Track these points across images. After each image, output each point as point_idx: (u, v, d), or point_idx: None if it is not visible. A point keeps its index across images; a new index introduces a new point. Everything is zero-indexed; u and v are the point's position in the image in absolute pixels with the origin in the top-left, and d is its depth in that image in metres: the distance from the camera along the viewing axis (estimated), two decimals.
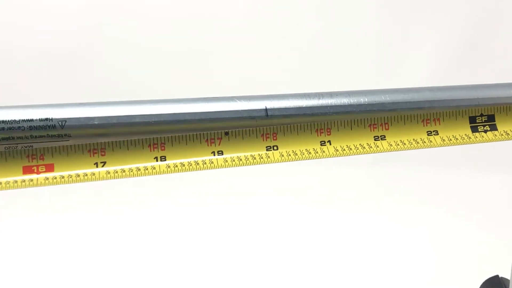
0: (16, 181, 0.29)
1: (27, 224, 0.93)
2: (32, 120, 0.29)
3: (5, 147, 0.29)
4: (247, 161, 0.31)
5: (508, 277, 0.44)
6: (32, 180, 0.29)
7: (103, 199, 0.98)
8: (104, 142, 0.30)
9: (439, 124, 0.33)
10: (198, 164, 0.31)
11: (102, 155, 0.30)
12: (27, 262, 0.80)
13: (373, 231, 0.89)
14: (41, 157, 0.29)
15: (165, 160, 0.30)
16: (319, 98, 0.33)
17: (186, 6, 1.29)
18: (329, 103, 0.33)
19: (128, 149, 0.30)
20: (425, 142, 0.33)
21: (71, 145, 0.30)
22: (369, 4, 1.26)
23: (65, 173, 0.29)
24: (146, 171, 0.30)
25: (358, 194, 1.03)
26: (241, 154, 0.31)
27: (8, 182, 0.29)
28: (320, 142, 0.32)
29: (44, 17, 1.31)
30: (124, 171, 0.30)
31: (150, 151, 0.30)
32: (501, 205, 0.98)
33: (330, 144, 0.32)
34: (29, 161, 0.29)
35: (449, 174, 1.11)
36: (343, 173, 1.07)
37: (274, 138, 0.32)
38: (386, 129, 0.33)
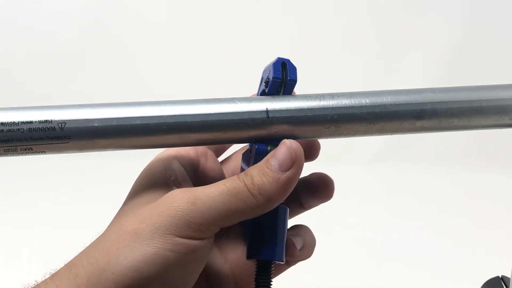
0: None
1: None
2: (31, 122, 0.29)
3: (4, 150, 0.29)
4: None
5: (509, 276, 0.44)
6: None
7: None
8: None
9: None
10: None
11: None
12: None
13: (372, 231, 0.89)
14: None
15: None
16: (320, 100, 0.33)
17: (187, 7, 1.29)
18: (331, 104, 0.33)
19: None
20: None
21: None
22: (369, 4, 1.26)
23: None
24: None
25: (356, 194, 1.02)
26: None
27: None
28: None
29: (44, 16, 1.31)
30: None
31: None
32: (502, 205, 0.98)
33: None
34: None
35: (449, 173, 1.11)
36: (340, 172, 1.07)
37: None
38: None
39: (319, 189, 0.38)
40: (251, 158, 0.33)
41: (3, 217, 0.95)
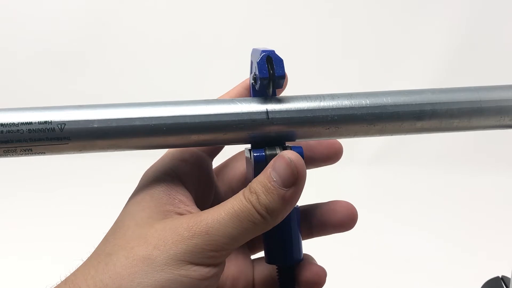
0: None
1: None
2: (31, 123, 0.29)
3: (3, 151, 0.29)
4: None
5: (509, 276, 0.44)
6: None
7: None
8: None
9: None
10: None
11: None
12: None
13: (372, 232, 0.89)
14: None
15: None
16: (320, 100, 0.32)
17: (186, 7, 1.29)
18: (331, 105, 0.32)
19: None
20: None
21: None
22: (368, 4, 1.26)
23: None
24: None
25: (356, 195, 1.02)
26: None
27: None
28: None
29: (44, 16, 1.31)
30: None
31: None
32: (502, 205, 0.98)
33: None
34: None
35: (449, 174, 1.11)
36: (340, 173, 1.07)
37: None
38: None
39: (344, 221, 0.38)
40: (250, 166, 0.33)
41: (3, 217, 0.95)
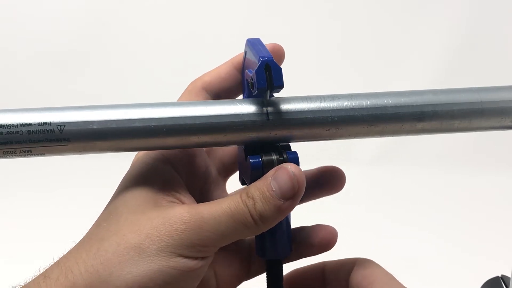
0: None
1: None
2: (30, 124, 0.29)
3: (3, 152, 0.29)
4: None
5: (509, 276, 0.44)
6: None
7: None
8: None
9: None
10: None
11: None
12: None
13: (372, 232, 0.89)
14: None
15: None
16: (320, 101, 0.32)
17: (187, 7, 1.29)
18: (331, 106, 0.32)
19: None
20: None
21: None
22: (368, 4, 1.26)
23: None
24: None
25: (356, 195, 1.02)
26: None
27: None
28: None
29: (44, 16, 1.31)
30: None
31: None
32: (502, 205, 0.98)
33: None
34: None
35: (449, 174, 1.11)
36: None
37: None
38: None
39: (331, 182, 0.39)
40: (247, 170, 0.32)
41: (3, 217, 0.95)
